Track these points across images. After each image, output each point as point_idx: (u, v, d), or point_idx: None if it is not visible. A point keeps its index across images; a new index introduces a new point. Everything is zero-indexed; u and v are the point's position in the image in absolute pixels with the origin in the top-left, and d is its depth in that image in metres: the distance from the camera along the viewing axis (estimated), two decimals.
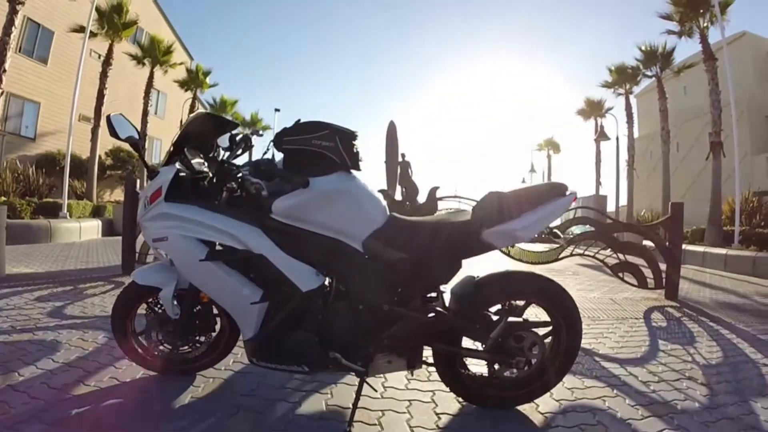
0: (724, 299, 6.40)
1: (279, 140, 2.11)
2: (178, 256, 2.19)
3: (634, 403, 2.59)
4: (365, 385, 2.21)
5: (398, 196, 7.38)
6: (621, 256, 6.18)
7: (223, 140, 2.59)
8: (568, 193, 2.17)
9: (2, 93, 12.63)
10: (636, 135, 25.35)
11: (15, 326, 3.60)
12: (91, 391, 2.47)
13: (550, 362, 2.34)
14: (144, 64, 22.80)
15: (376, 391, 2.55)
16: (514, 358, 2.25)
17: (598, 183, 29.00)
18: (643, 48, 21.95)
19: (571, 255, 6.25)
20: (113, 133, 2.24)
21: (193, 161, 2.40)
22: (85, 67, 14.80)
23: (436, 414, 2.37)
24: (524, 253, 6.42)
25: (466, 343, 2.32)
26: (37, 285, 5.28)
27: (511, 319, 2.23)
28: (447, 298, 2.29)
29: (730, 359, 3.53)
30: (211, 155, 2.54)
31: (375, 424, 2.22)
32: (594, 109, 29.70)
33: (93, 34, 17.46)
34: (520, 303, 2.35)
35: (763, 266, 9.54)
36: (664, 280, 6.17)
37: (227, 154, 2.53)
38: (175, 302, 2.37)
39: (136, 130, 2.37)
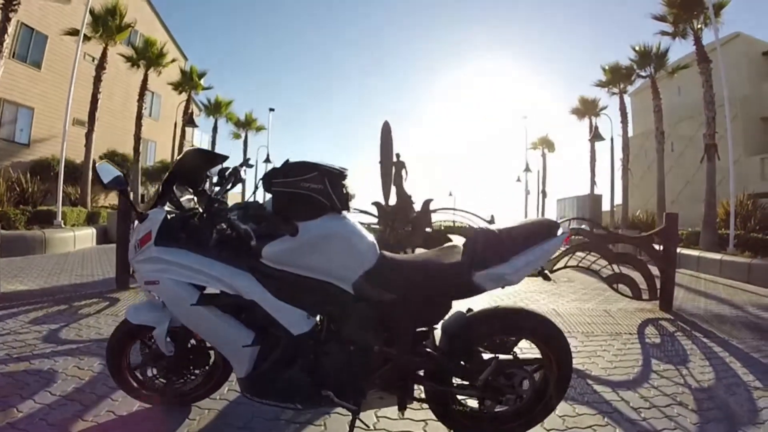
0: (719, 310, 6.45)
1: (267, 182, 2.12)
2: (170, 300, 2.22)
3: None
4: (358, 419, 2.25)
5: (393, 197, 7.41)
6: (615, 267, 6.22)
7: (214, 173, 2.61)
8: (559, 233, 2.20)
9: None
10: (630, 133, 25.41)
11: (11, 354, 3.62)
12: (89, 427, 2.51)
13: (541, 396, 2.37)
14: (138, 66, 22.70)
15: (368, 427, 2.58)
16: (504, 395, 2.27)
17: (593, 182, 29.02)
18: (637, 48, 21.97)
19: (565, 267, 6.28)
20: (99, 181, 2.28)
21: (182, 198, 2.42)
22: (80, 71, 14.78)
23: None
24: None
25: (457, 379, 2.35)
26: (32, 304, 5.29)
27: (501, 356, 2.25)
28: (438, 334, 2.31)
29: (722, 381, 3.57)
30: (201, 188, 2.56)
31: None
32: (588, 109, 29.70)
33: (87, 38, 17.39)
34: (511, 337, 2.37)
35: (759, 273, 9.57)
36: (658, 290, 6.21)
37: (217, 189, 2.55)
38: (169, 339, 2.40)
39: (123, 174, 2.39)
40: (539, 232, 2.19)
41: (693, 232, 15.64)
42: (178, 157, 2.43)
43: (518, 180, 37.62)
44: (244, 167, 2.69)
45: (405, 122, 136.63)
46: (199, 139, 37.10)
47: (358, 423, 2.28)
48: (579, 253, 6.33)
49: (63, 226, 12.63)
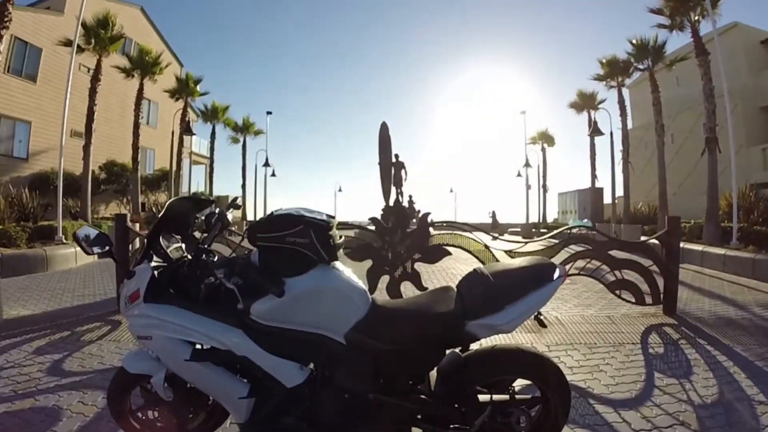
0: (723, 312, 6.49)
1: (252, 236, 2.13)
2: (164, 356, 2.23)
3: None
4: None
5: (393, 197, 7.42)
6: (618, 273, 6.21)
7: (202, 215, 2.61)
8: (556, 276, 2.14)
9: None
10: (630, 126, 25.38)
11: (16, 390, 3.66)
12: None
13: (540, 430, 2.36)
14: (133, 76, 22.83)
15: None
16: None
17: (594, 176, 29.12)
18: (634, 41, 21.95)
19: (567, 275, 6.21)
20: (82, 248, 2.28)
21: (170, 248, 2.43)
22: (76, 82, 14.80)
23: None
24: None
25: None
26: (35, 332, 5.33)
27: (498, 397, 2.25)
28: (434, 375, 2.31)
29: (726, 396, 3.58)
30: (188, 233, 2.56)
31: None
32: (587, 102, 29.76)
33: (80, 49, 17.42)
34: (507, 377, 2.37)
35: (763, 268, 9.58)
36: (661, 294, 6.22)
37: (204, 235, 2.55)
38: (167, 385, 2.41)
39: (106, 237, 2.39)
40: (535, 276, 2.15)
41: (696, 225, 15.63)
42: (163, 210, 2.43)
43: (518, 175, 37.48)
44: (230, 209, 2.70)
45: (404, 122, 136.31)
46: (198, 145, 37.15)
47: None
48: (581, 261, 6.30)
49: (64, 241, 12.66)
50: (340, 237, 2.23)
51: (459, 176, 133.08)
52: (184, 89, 27.85)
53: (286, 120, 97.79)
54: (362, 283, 2.24)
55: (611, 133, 24.64)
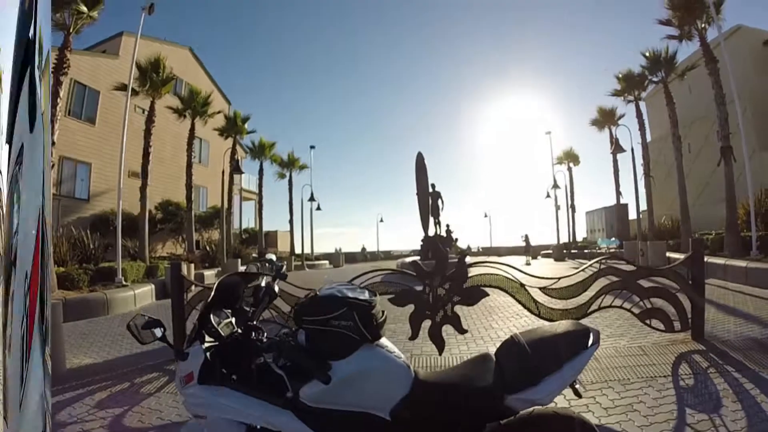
0: (749, 332, 6.30)
1: (299, 318, 2.12)
2: None
3: None
4: None
5: (432, 228, 7.32)
6: (646, 302, 5.95)
7: (250, 290, 2.61)
8: (590, 344, 2.08)
9: (53, 165, 12.51)
10: (648, 138, 24.86)
11: None
12: None
13: None
14: (185, 116, 23.14)
15: None
16: None
17: (618, 193, 28.63)
18: (647, 54, 21.76)
19: (599, 309, 5.97)
20: (138, 339, 2.28)
21: (221, 325, 2.41)
22: (132, 123, 15.03)
23: None
24: (552, 311, 5.98)
25: None
26: (96, 383, 5.40)
27: None
28: None
29: (755, 428, 3.45)
30: (238, 307, 2.56)
31: None
32: (607, 118, 29.37)
33: (135, 92, 17.71)
34: None
35: None
36: (689, 320, 5.97)
37: (253, 309, 2.54)
38: None
39: (159, 321, 2.38)
40: (570, 345, 2.09)
41: (717, 236, 15.20)
42: (213, 290, 2.43)
43: (548, 196, 37.15)
44: (277, 280, 2.70)
45: (440, 150, 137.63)
46: (248, 181, 37.61)
47: None
48: (612, 293, 6.06)
49: (124, 282, 12.93)
50: (382, 313, 2.19)
51: (492, 200, 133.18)
52: (232, 127, 28.30)
53: (329, 152, 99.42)
54: (405, 359, 2.20)
55: (632, 149, 24.18)
